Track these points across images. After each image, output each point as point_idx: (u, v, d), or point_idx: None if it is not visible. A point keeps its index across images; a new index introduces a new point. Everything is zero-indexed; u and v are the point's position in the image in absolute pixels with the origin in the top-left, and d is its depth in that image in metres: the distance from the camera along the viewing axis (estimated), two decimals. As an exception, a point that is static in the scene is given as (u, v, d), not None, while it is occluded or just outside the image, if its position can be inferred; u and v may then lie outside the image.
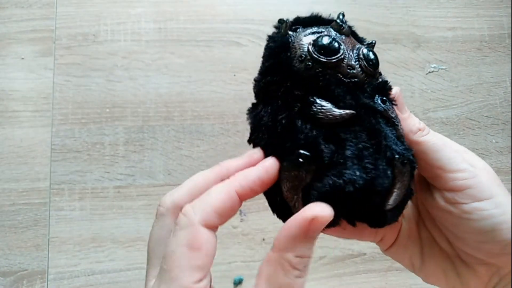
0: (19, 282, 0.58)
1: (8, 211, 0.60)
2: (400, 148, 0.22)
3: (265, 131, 0.23)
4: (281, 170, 0.22)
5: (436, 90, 0.69)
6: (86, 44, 0.66)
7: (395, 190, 0.22)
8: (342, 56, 0.23)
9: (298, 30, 0.25)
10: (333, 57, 0.22)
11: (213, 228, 0.20)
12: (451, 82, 0.70)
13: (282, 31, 0.25)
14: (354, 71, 0.23)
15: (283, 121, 0.22)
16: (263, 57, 0.25)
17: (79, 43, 0.66)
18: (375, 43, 0.26)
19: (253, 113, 0.24)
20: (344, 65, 0.23)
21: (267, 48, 0.25)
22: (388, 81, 0.25)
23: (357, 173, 0.21)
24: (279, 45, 0.24)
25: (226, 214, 0.21)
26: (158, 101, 0.64)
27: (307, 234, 0.19)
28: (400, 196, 0.22)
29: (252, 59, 0.66)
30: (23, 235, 0.60)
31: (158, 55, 0.66)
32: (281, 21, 0.26)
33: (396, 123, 0.23)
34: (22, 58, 0.65)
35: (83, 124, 0.63)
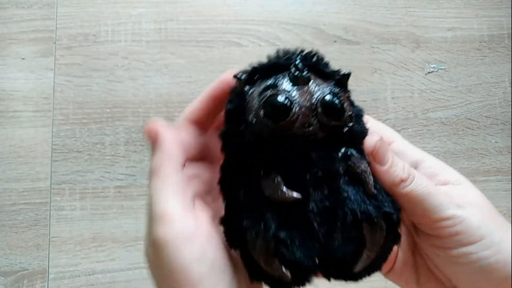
0: (20, 281, 0.58)
1: (8, 211, 0.60)
2: (368, 206, 0.21)
3: (228, 202, 0.22)
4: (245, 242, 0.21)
5: (435, 90, 0.69)
6: (86, 44, 0.66)
7: (365, 251, 0.21)
8: (294, 116, 0.20)
9: (256, 82, 0.22)
10: (282, 121, 0.20)
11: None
12: (451, 82, 0.70)
13: (238, 89, 0.23)
14: (312, 128, 0.20)
15: (239, 199, 0.21)
16: (224, 117, 0.23)
17: (80, 43, 0.66)
18: (348, 75, 0.22)
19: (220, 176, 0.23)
20: (298, 125, 0.20)
21: (225, 109, 0.23)
22: (358, 128, 0.22)
23: (311, 248, 0.20)
24: (233, 108, 0.22)
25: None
26: (158, 101, 0.65)
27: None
28: (373, 255, 0.21)
29: (252, 59, 0.66)
30: (23, 234, 0.60)
31: (158, 56, 0.66)
32: (236, 76, 0.23)
33: (364, 178, 0.21)
34: (23, 59, 0.65)
35: (83, 124, 0.63)
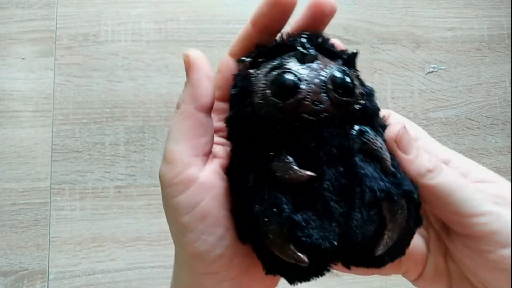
0: (20, 281, 0.58)
1: (8, 211, 0.60)
2: (387, 183, 0.19)
3: (237, 190, 0.21)
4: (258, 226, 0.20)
5: (435, 90, 0.69)
6: (86, 44, 0.66)
7: (386, 232, 0.19)
8: (303, 94, 0.19)
9: (261, 65, 0.22)
10: (291, 98, 0.19)
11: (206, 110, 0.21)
12: (451, 82, 0.70)
13: (242, 72, 0.22)
14: (323, 105, 0.20)
15: (249, 184, 0.20)
16: (229, 103, 0.22)
17: (80, 43, 0.66)
18: (356, 54, 0.22)
19: (229, 164, 0.22)
20: (308, 102, 0.19)
21: (230, 94, 0.22)
22: (370, 105, 0.21)
23: (329, 230, 0.19)
24: (238, 91, 0.22)
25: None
26: (158, 101, 0.65)
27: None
28: (394, 237, 0.20)
29: (252, 59, 0.66)
30: (23, 234, 0.60)
31: (158, 55, 0.66)
32: (239, 61, 0.22)
33: (381, 154, 0.20)
34: (23, 58, 0.65)
35: (83, 124, 0.63)
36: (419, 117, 0.67)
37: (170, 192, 0.20)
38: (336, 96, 0.20)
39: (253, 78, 0.21)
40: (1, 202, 0.60)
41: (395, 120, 0.22)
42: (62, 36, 0.66)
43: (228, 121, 0.22)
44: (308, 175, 0.19)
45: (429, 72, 0.70)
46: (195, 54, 0.22)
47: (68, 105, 0.64)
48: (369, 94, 0.21)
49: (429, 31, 0.71)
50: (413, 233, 0.21)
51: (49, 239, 0.60)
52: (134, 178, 0.62)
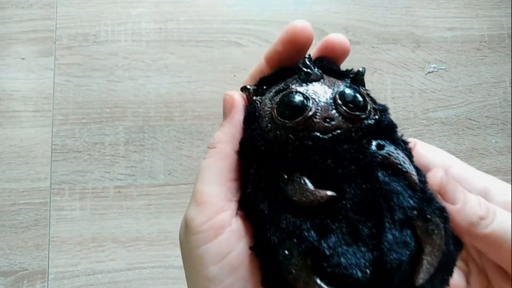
0: (20, 281, 0.58)
1: (8, 211, 0.60)
2: (416, 201, 0.17)
3: (253, 223, 0.20)
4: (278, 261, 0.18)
5: (435, 90, 0.69)
6: (86, 44, 0.66)
7: (425, 257, 0.17)
8: (312, 111, 0.18)
9: (266, 91, 0.21)
10: (299, 117, 0.18)
11: None
12: (451, 82, 0.70)
13: (248, 100, 0.21)
14: (334, 122, 0.18)
15: (263, 213, 0.19)
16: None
17: (80, 43, 0.66)
18: (363, 72, 0.21)
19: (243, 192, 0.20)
20: (318, 120, 0.18)
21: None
22: (386, 120, 0.20)
23: (359, 255, 0.17)
24: (246, 117, 0.21)
25: None
26: (158, 101, 0.65)
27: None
28: (435, 262, 0.17)
29: (252, 59, 0.66)
30: (23, 234, 0.60)
31: (158, 56, 0.66)
32: (243, 89, 0.22)
33: (406, 168, 0.18)
34: (23, 58, 0.65)
35: (83, 124, 0.63)
36: (419, 117, 0.67)
37: (197, 239, 0.18)
38: (347, 110, 0.19)
39: (259, 104, 0.20)
40: (1, 202, 0.60)
41: (427, 158, 0.20)
42: (62, 36, 0.66)
43: (241, 147, 0.21)
44: (328, 195, 0.17)
45: (429, 72, 0.70)
46: (237, 95, 0.21)
47: (68, 105, 0.64)
48: (382, 110, 0.20)
49: (429, 31, 0.71)
50: (455, 259, 0.19)
51: (49, 239, 0.60)
52: (134, 178, 0.62)
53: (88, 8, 0.67)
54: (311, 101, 0.19)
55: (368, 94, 0.20)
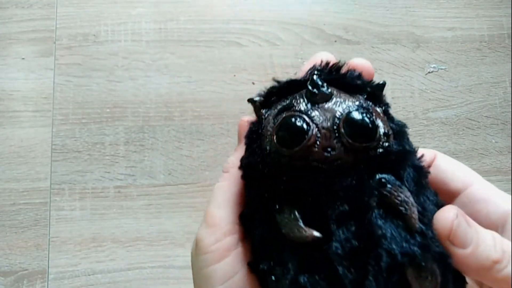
0: (20, 281, 0.58)
1: (8, 211, 0.60)
2: (411, 245, 0.16)
3: (249, 237, 0.20)
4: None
5: (435, 90, 0.69)
6: (86, 44, 0.66)
7: None
8: (311, 140, 0.17)
9: (273, 105, 0.20)
10: (298, 146, 0.17)
11: None
12: (451, 82, 0.70)
13: (255, 112, 0.20)
14: (335, 152, 0.17)
15: (257, 237, 0.19)
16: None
17: (80, 43, 0.66)
18: (383, 86, 0.19)
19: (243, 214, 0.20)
20: (317, 150, 0.17)
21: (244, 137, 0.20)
22: (397, 148, 0.18)
23: None
24: (248, 134, 0.20)
25: None
26: (158, 101, 0.65)
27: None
28: None
29: (252, 59, 0.66)
30: (23, 235, 0.60)
31: (158, 56, 0.66)
32: (250, 100, 0.20)
33: (405, 210, 0.17)
34: (23, 58, 0.65)
35: (83, 124, 0.63)
36: (419, 117, 0.67)
37: (206, 259, 0.19)
38: (350, 141, 0.17)
39: (264, 120, 0.19)
40: (1, 202, 0.60)
41: (445, 163, 0.19)
42: (62, 36, 0.66)
43: (241, 166, 0.20)
44: (314, 236, 0.17)
45: (429, 72, 0.70)
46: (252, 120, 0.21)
47: (68, 105, 0.64)
48: (399, 132, 0.18)
49: (429, 31, 0.71)
50: None
51: (49, 239, 0.60)
52: (134, 178, 0.62)
53: (88, 8, 0.67)
54: (312, 127, 0.17)
55: (385, 112, 0.19)
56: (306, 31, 0.68)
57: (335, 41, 0.68)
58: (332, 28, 0.69)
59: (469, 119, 0.69)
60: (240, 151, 0.21)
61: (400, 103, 0.68)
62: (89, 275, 0.59)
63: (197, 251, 0.19)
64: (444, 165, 0.20)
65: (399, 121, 0.19)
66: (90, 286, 0.59)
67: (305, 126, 0.17)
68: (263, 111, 0.20)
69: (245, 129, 0.20)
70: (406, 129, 0.19)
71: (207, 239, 0.19)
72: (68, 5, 0.67)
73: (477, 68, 0.71)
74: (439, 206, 0.18)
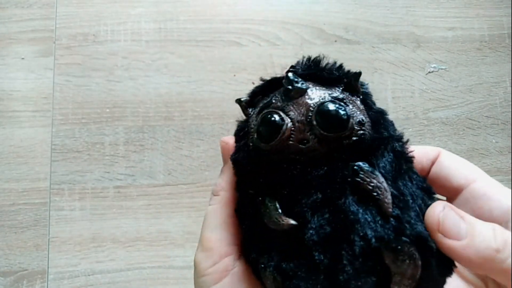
0: (19, 282, 0.58)
1: (8, 211, 0.60)
2: (386, 229, 0.16)
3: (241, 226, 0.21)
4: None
5: (436, 90, 0.69)
6: (86, 44, 0.66)
7: (392, 285, 0.16)
8: (285, 134, 0.18)
9: (257, 104, 0.21)
10: (273, 140, 0.18)
11: None
12: (451, 82, 0.70)
13: (243, 112, 0.21)
14: (310, 144, 0.18)
15: (245, 229, 0.20)
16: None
17: (79, 43, 0.66)
18: (357, 75, 0.19)
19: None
20: (292, 141, 0.18)
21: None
22: (373, 135, 0.18)
23: (316, 282, 0.17)
24: (236, 132, 0.21)
25: None
26: (158, 101, 0.64)
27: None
28: None
29: (252, 59, 0.66)
30: (23, 235, 0.60)
31: (158, 55, 0.66)
32: (237, 101, 0.22)
33: (378, 194, 0.17)
34: (22, 58, 0.65)
35: (83, 124, 0.63)
36: (419, 117, 0.67)
37: (204, 281, 0.20)
38: (322, 132, 0.18)
39: (250, 119, 0.21)
40: (0, 202, 0.60)
41: (449, 159, 0.19)
42: (62, 36, 0.66)
43: (231, 162, 0.21)
44: (290, 224, 0.18)
45: (429, 72, 0.70)
46: (232, 141, 0.22)
47: (68, 105, 0.63)
48: (377, 119, 0.19)
49: (430, 30, 0.71)
50: (440, 284, 0.18)
51: (49, 239, 0.60)
52: (134, 178, 0.62)
53: (87, 8, 0.67)
54: (286, 122, 0.18)
55: (364, 100, 0.19)
56: (306, 31, 0.68)
57: (335, 41, 0.68)
58: (332, 28, 0.69)
59: (470, 119, 0.69)
60: (226, 173, 0.21)
61: (401, 103, 0.68)
62: (88, 275, 0.59)
63: (196, 274, 0.20)
64: (448, 161, 0.20)
65: (379, 108, 0.20)
66: (89, 286, 0.59)
67: (279, 120, 0.18)
68: (250, 110, 0.21)
69: (227, 150, 0.21)
70: (386, 115, 0.19)
71: (204, 263, 0.20)
72: (68, 4, 0.67)
73: (477, 68, 0.70)
74: (425, 189, 0.19)
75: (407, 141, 0.20)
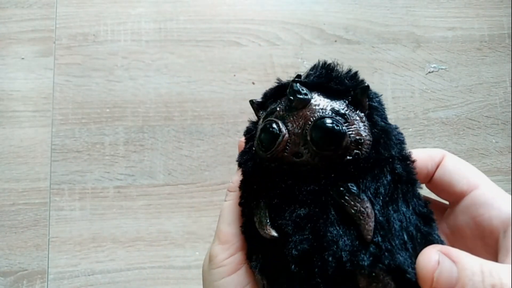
0: (19, 282, 0.58)
1: (8, 211, 0.60)
2: (362, 254, 0.16)
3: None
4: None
5: (436, 90, 0.69)
6: (86, 44, 0.66)
7: None
8: (281, 145, 0.18)
9: (268, 107, 0.21)
10: (270, 149, 0.18)
11: None
12: (451, 82, 0.70)
13: (255, 113, 0.22)
14: (303, 158, 0.18)
15: (244, 229, 0.21)
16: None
17: (79, 43, 0.66)
18: (365, 89, 0.19)
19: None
20: (287, 154, 0.18)
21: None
22: (369, 155, 0.18)
23: None
24: (245, 134, 0.21)
25: None
26: (158, 101, 0.64)
27: None
28: None
29: (252, 59, 0.66)
30: (23, 235, 0.60)
31: (158, 55, 0.66)
32: (250, 102, 0.22)
33: (360, 220, 0.17)
34: (22, 58, 0.65)
35: (83, 124, 0.63)
36: (419, 117, 0.67)
37: (219, 272, 0.20)
38: (315, 149, 0.17)
39: (259, 121, 0.21)
40: (0, 202, 0.60)
41: (453, 164, 0.19)
42: (62, 36, 0.66)
43: (238, 164, 0.22)
44: (271, 235, 0.18)
45: (429, 72, 0.70)
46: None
47: (68, 105, 0.63)
48: (378, 138, 0.18)
49: (430, 30, 0.71)
50: None
51: (49, 239, 0.60)
52: (134, 178, 0.62)
53: (87, 8, 0.67)
54: (283, 133, 0.18)
55: (370, 115, 0.19)
56: (306, 31, 0.68)
57: (335, 41, 0.68)
58: (332, 28, 0.69)
59: (470, 119, 0.69)
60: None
61: (401, 103, 0.68)
62: (88, 275, 0.59)
63: (211, 266, 0.21)
64: (451, 165, 0.20)
65: (385, 125, 0.19)
66: (89, 286, 0.59)
67: (277, 131, 0.18)
68: (261, 112, 0.21)
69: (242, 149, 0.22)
70: (391, 133, 0.19)
71: (221, 255, 0.21)
72: (68, 4, 0.67)
73: (477, 68, 0.70)
74: (422, 215, 0.18)
75: (414, 161, 0.19)
